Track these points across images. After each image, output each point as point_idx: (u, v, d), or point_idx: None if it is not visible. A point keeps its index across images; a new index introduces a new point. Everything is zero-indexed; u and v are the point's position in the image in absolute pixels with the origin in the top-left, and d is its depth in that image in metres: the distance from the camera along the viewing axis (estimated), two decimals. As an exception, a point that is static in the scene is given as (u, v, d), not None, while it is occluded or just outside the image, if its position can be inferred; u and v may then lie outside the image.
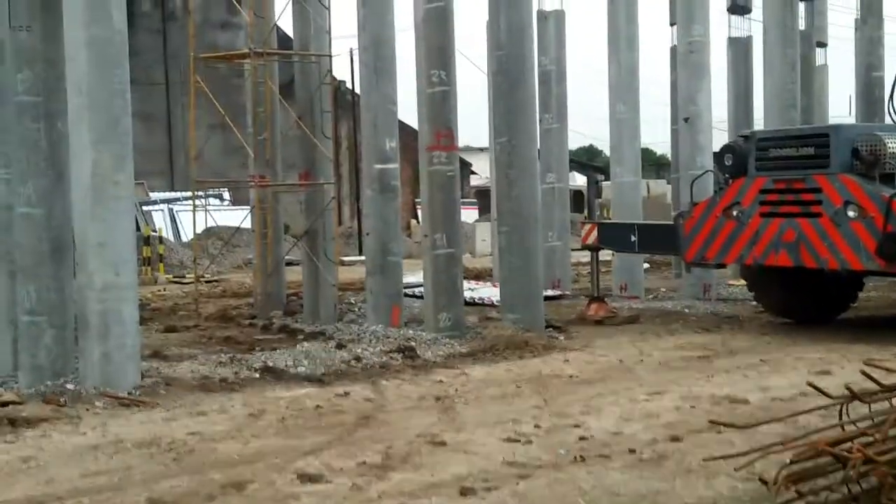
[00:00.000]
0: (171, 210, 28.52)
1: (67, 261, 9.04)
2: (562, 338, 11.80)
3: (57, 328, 8.92)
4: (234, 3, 15.78)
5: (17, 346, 9.19)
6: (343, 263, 19.59)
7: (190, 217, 19.30)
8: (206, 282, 19.76)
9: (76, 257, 8.72)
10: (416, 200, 33.80)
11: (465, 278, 13.07)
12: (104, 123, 8.26)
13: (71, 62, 8.31)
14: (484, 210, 37.99)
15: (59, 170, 8.83)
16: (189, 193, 20.50)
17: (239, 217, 20.25)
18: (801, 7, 17.16)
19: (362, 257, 17.73)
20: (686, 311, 14.52)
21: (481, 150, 43.48)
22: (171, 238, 26.94)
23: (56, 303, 8.93)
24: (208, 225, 22.05)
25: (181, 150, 34.64)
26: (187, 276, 21.18)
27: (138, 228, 21.78)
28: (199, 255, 19.18)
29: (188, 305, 15.85)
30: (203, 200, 17.75)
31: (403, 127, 14.32)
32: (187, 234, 26.69)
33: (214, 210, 21.58)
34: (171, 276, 22.46)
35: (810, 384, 5.46)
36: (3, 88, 9.25)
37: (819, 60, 20.44)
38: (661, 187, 34.97)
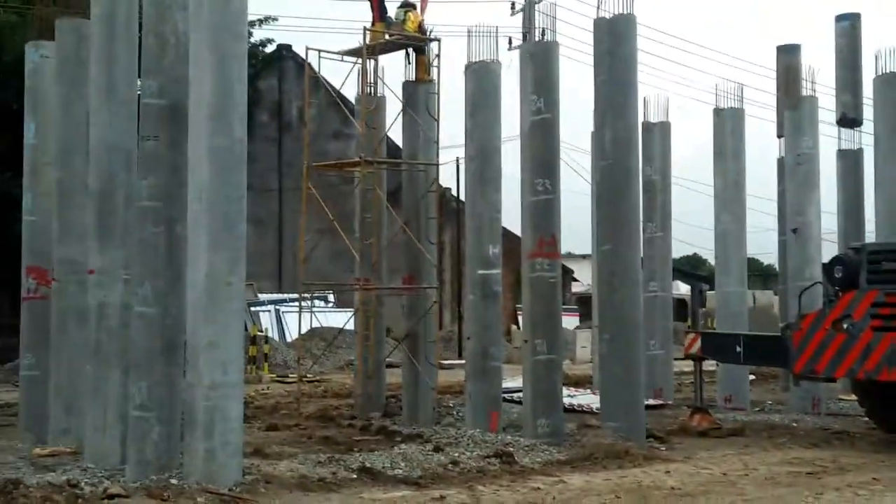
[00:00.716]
0: (277, 311, 29.20)
1: (178, 358, 9.37)
2: (663, 448, 11.56)
3: (165, 424, 9.20)
4: (348, 114, 16.39)
5: (125, 441, 9.49)
6: (443, 366, 19.65)
7: (295, 318, 19.74)
8: (309, 381, 20.03)
9: (187, 355, 9.03)
10: (517, 306, 33.83)
11: (564, 385, 12.97)
12: (221, 228, 8.65)
13: (193, 170, 8.77)
14: (585, 317, 37.70)
15: (176, 271, 9.23)
16: (296, 295, 20.99)
17: (342, 319, 20.61)
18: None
19: (461, 361, 17.80)
20: (794, 424, 14.06)
21: (583, 256, 43.48)
22: (277, 338, 27.51)
23: (165, 399, 9.23)
24: (313, 326, 22.46)
25: (290, 253, 35.59)
26: (290, 375, 21.54)
27: (246, 328, 22.34)
28: (303, 356, 19.53)
29: (290, 404, 16.08)
30: (309, 302, 18.12)
31: (506, 233, 14.50)
32: (292, 335, 27.22)
33: (319, 311, 22.01)
34: (274, 374, 22.86)
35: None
36: (129, 193, 9.83)
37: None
38: (767, 298, 34.19)
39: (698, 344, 13.85)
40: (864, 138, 17.96)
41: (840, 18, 18.26)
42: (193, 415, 8.74)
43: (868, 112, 17.01)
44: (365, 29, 14.88)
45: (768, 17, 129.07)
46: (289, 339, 27.67)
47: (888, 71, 15.59)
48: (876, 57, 15.68)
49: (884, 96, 15.74)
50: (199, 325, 8.75)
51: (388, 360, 15.67)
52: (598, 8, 12.18)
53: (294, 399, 15.96)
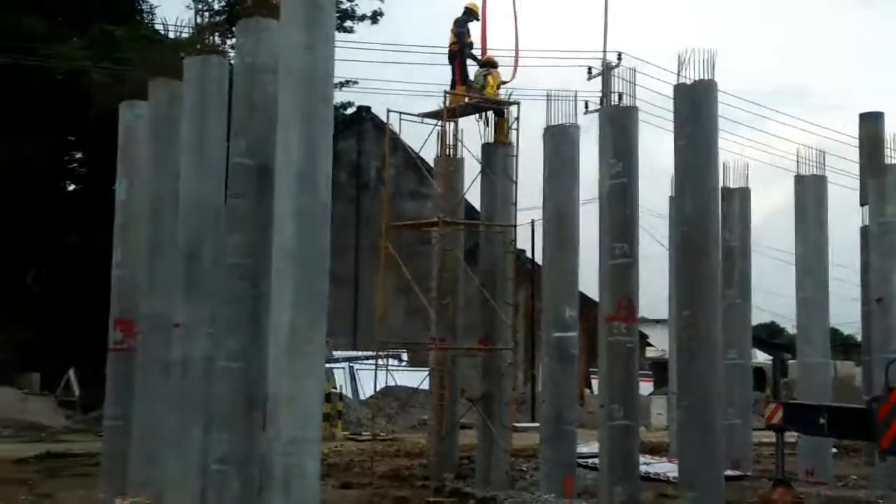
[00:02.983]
0: (351, 368, 29.34)
1: (258, 413, 9.48)
2: (743, 522, 11.26)
3: (243, 478, 9.29)
4: (426, 174, 16.62)
5: (203, 494, 9.59)
6: (516, 429, 19.49)
7: (370, 375, 19.84)
8: (382, 440, 20.04)
9: (267, 410, 9.12)
10: (591, 370, 33.47)
11: (640, 452, 12.76)
12: (304, 286, 8.78)
13: (278, 228, 8.96)
14: (659, 382, 37.13)
15: (259, 327, 9.40)
16: (370, 353, 21.13)
17: (417, 378, 20.64)
18: None
19: (535, 424, 17.64)
20: (880, 501, 13.58)
21: (657, 321, 42.90)
22: (351, 395, 27.62)
23: (245, 453, 9.33)
24: (387, 384, 22.53)
25: (365, 310, 35.89)
26: (364, 433, 21.57)
27: (320, 384, 22.47)
28: (377, 414, 19.56)
29: (363, 462, 16.09)
30: (384, 360, 18.23)
31: (582, 297, 14.48)
32: (366, 393, 27.31)
33: (394, 370, 22.09)
34: (348, 432, 22.92)
35: None
36: (216, 250, 10.07)
37: None
38: (848, 369, 33.29)
39: (780, 414, 13.50)
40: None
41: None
42: (271, 470, 8.79)
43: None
44: (445, 92, 15.13)
45: (846, 84, 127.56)
46: (362, 397, 27.75)
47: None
48: (962, 126, 15.41)
49: (971, 164, 15.41)
50: (281, 380, 8.84)
51: (461, 421, 15.62)
52: (678, 74, 12.22)
53: (367, 457, 15.96)
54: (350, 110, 39.47)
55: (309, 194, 8.80)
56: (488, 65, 15.28)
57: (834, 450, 17.83)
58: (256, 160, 9.66)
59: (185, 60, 10.90)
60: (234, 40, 10.84)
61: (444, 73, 15.73)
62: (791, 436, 15.20)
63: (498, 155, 14.83)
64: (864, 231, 17.81)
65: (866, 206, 17.38)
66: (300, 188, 8.78)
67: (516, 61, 15.33)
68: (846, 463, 19.00)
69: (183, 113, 10.85)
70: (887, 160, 16.34)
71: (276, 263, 9.00)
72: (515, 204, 14.71)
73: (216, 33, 10.94)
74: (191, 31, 17.03)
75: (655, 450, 19.83)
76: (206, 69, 10.65)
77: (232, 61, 11.01)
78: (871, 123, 18.70)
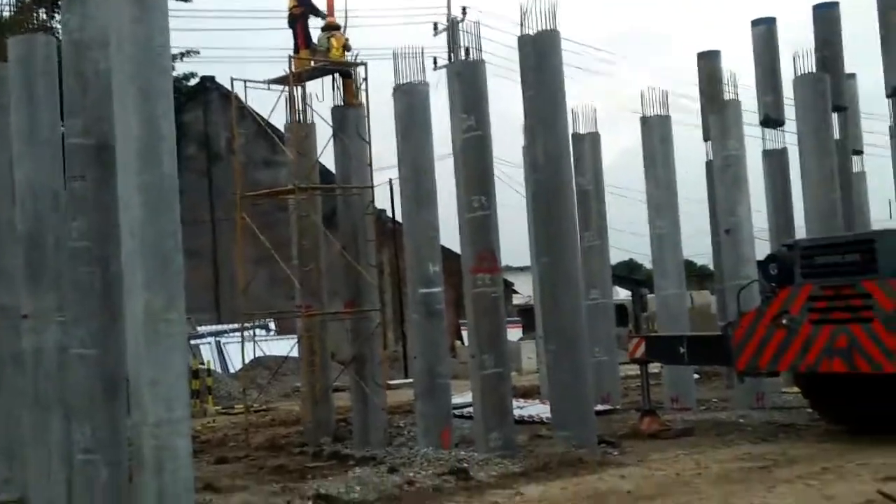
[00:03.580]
0: (218, 342, 28.80)
1: (121, 399, 9.18)
2: (616, 453, 11.64)
3: (112, 466, 9.00)
4: (277, 142, 16.31)
5: (70, 486, 9.27)
6: (390, 387, 19.55)
7: (237, 348, 19.50)
8: (255, 411, 19.79)
9: (130, 395, 8.85)
10: (460, 321, 33.84)
11: (513, 397, 12.99)
12: (156, 265, 8.49)
13: (124, 208, 8.62)
14: (527, 328, 37.89)
15: (112, 311, 9.06)
16: (236, 326, 20.75)
17: (286, 346, 20.42)
18: (835, 117, 17.35)
19: (409, 380, 17.74)
20: (741, 421, 14.27)
21: (521, 269, 43.73)
22: (219, 370, 27.14)
23: (111, 441, 9.03)
24: (256, 355, 22.20)
25: (227, 283, 35.24)
26: (236, 406, 21.24)
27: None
28: (248, 386, 19.29)
29: (238, 436, 15.87)
30: (250, 331, 17.93)
31: (445, 251, 14.55)
32: (235, 366, 26.88)
33: (261, 340, 21.78)
34: (219, 407, 22.53)
35: (880, 492, 5.36)
36: (59, 235, 9.62)
37: (856, 168, 20.51)
38: (704, 298, 34.75)
39: (643, 348, 14.01)
40: (788, 137, 18.38)
41: (756, 23, 18.72)
42: (141, 454, 8.53)
43: (790, 111, 17.46)
44: (290, 57, 14.83)
45: (686, 25, 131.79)
46: (232, 371, 27.31)
47: (806, 71, 16.01)
48: (794, 58, 16.11)
49: (803, 96, 16.18)
50: (141, 364, 8.55)
51: (335, 384, 15.55)
52: (521, 25, 12.31)
53: (241, 430, 15.74)
54: (193, 81, 38.29)
55: (153, 170, 8.47)
56: (331, 27, 15.05)
57: (696, 376, 18.62)
58: (94, 139, 9.21)
59: (10, 41, 10.32)
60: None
61: (289, 38, 15.37)
62: (655, 367, 15.79)
63: (349, 117, 14.65)
64: (709, 166, 18.49)
65: (709, 142, 18.03)
66: (143, 164, 8.43)
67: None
68: (708, 388, 19.89)
69: (10, 97, 10.28)
70: (726, 97, 16.94)
71: (125, 244, 8.65)
72: (371, 165, 14.60)
73: (41, 9, 10.36)
74: (12, 9, 16.15)
75: (528, 393, 20.27)
76: (31, 49, 10.10)
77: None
78: (708, 62, 19.32)
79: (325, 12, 15.19)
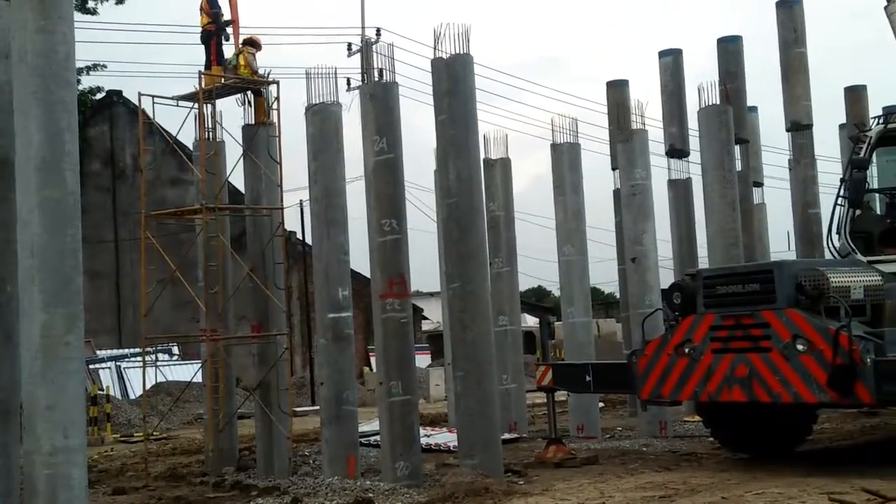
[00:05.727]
0: (118, 367, 28.02)
1: (13, 425, 8.81)
2: (522, 482, 11.63)
3: (1, 496, 8.61)
4: (186, 160, 16.00)
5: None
6: (297, 414, 19.26)
7: (138, 374, 18.98)
8: (156, 440, 19.27)
9: (23, 421, 8.49)
10: (369, 347, 33.65)
11: (421, 425, 12.90)
12: (55, 284, 8.21)
13: (23, 225, 8.31)
14: (436, 354, 37.91)
15: (8, 332, 8.72)
16: (137, 350, 20.20)
17: (189, 372, 19.99)
18: (737, 149, 17.83)
19: (316, 407, 17.48)
20: (644, 449, 14.44)
21: (431, 294, 43.81)
22: (119, 396, 26.39)
23: (1, 469, 8.64)
24: (158, 381, 21.66)
25: (129, 306, 34.39)
26: (136, 434, 20.65)
27: (85, 388, 21.32)
28: (148, 413, 18.76)
29: (137, 465, 15.39)
30: (152, 356, 17.47)
31: (355, 274, 14.42)
32: (136, 392, 26.17)
33: (164, 365, 21.28)
34: (118, 435, 21.88)
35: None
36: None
37: (757, 199, 21.12)
38: (610, 326, 35.31)
39: (549, 376, 14.08)
40: (693, 168, 18.83)
41: (663, 54, 19.19)
42: (34, 484, 8.19)
43: (694, 142, 17.89)
44: (200, 73, 14.60)
45: (597, 55, 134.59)
46: (132, 397, 26.58)
47: (710, 103, 16.44)
48: (699, 90, 16.52)
49: (707, 127, 16.56)
50: (36, 388, 8.23)
51: (239, 411, 15.23)
52: (434, 49, 12.34)
53: (141, 459, 15.27)
54: (99, 95, 37.43)
55: (54, 186, 8.20)
56: (248, 44, 14.87)
57: (601, 404, 18.82)
58: (-8, 153, 8.89)
59: None
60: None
61: (201, 54, 15.15)
62: (562, 394, 15.91)
63: (260, 136, 14.46)
64: (617, 194, 18.80)
65: (617, 171, 18.35)
66: (44, 180, 8.16)
67: (236, 31, 14.99)
68: (613, 416, 20.14)
69: None
70: (634, 125, 17.27)
71: (23, 263, 8.34)
72: (281, 185, 14.43)
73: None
74: None
75: (435, 421, 20.22)
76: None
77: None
78: (617, 91, 19.74)
79: (232, 29, 15.02)
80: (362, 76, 12.86)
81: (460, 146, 12.23)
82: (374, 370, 17.13)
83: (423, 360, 36.45)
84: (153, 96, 14.72)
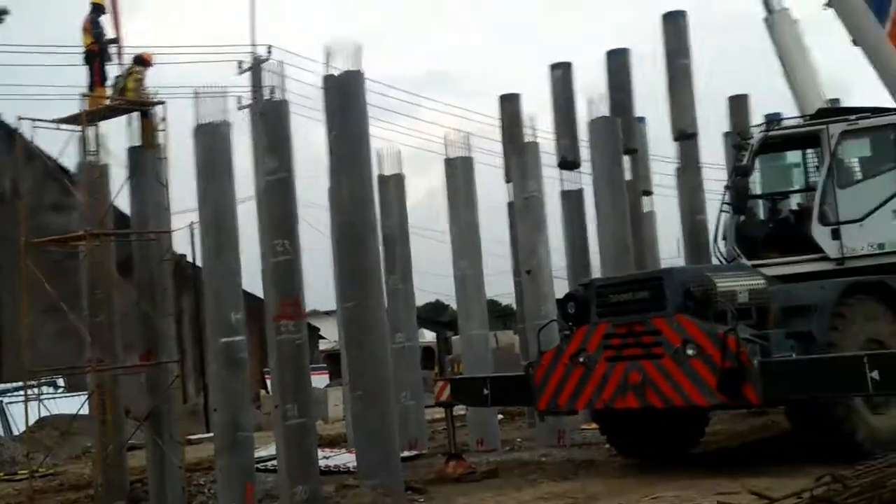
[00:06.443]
0: (0, 403, 26.85)
1: None
2: (422, 500, 11.55)
3: None
4: (68, 184, 15.48)
5: None
6: (191, 442, 18.75)
7: (21, 408, 18.22)
8: (42, 476, 18.47)
9: None
10: (265, 370, 33.10)
11: (318, 446, 12.70)
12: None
13: None
14: (335, 374, 37.52)
15: None
16: (20, 384, 19.40)
17: (76, 404, 19.27)
18: (626, 159, 18.16)
19: (211, 434, 17.06)
20: (543, 459, 14.51)
21: (327, 313, 43.34)
22: (1, 433, 25.27)
23: None
24: (42, 415, 20.80)
25: (10, 338, 33.04)
26: (20, 472, 19.80)
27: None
28: (33, 449, 18.03)
29: (22, 504, 14.75)
30: (36, 390, 16.78)
31: (250, 296, 14.12)
32: (19, 428, 25.08)
33: (49, 398, 20.46)
34: (2, 473, 20.93)
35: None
36: None
37: (646, 208, 21.54)
38: (508, 338, 35.52)
39: (448, 391, 14.03)
40: (585, 178, 19.08)
41: (554, 68, 19.45)
42: None
43: (586, 153, 18.15)
44: (82, 95, 14.15)
45: (487, 69, 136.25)
46: (15, 433, 25.46)
47: (599, 115, 16.72)
48: (589, 102, 16.79)
49: (597, 139, 16.84)
50: None
51: (130, 442, 14.73)
52: (326, 65, 12.23)
53: (26, 498, 14.63)
54: (-27, 118, 35.98)
55: (-80, 214, 7.77)
56: (138, 62, 14.48)
57: (500, 416, 18.87)
58: None
59: None
60: None
61: (83, 75, 14.68)
62: (461, 408, 15.88)
63: (147, 159, 14.06)
64: (511, 206, 18.93)
65: (511, 184, 18.48)
66: None
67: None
68: (512, 427, 20.20)
69: None
70: (526, 138, 17.44)
71: None
72: (169, 208, 14.05)
73: None
74: None
75: (334, 442, 19.95)
76: None
77: None
78: (509, 104, 19.91)
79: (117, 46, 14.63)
80: (252, 95, 12.59)
81: (352, 162, 12.14)
82: (271, 393, 16.84)
83: (320, 380, 36.04)
84: (33, 119, 14.22)
